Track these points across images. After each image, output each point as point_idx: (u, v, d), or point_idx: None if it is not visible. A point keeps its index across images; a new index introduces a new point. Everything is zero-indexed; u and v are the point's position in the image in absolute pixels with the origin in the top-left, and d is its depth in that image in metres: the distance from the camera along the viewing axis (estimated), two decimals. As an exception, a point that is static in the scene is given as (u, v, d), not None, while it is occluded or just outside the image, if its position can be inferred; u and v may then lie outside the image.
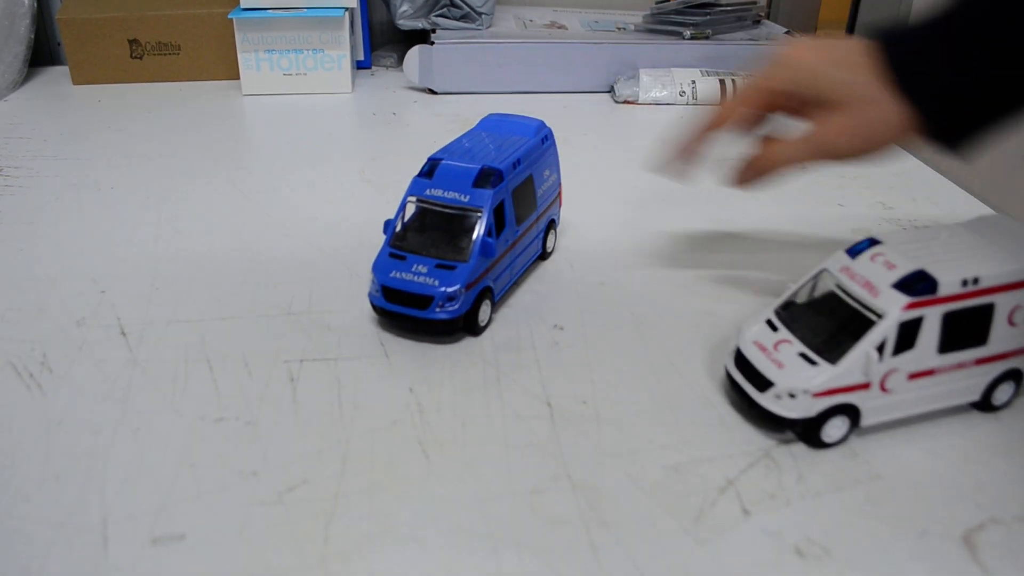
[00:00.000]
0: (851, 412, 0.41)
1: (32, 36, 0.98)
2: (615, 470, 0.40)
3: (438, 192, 0.51)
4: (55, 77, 1.01)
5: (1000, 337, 0.43)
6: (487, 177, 0.50)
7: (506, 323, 0.52)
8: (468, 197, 0.50)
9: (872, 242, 0.44)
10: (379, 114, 0.91)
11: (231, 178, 0.74)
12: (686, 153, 0.53)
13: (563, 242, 0.62)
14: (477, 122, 0.58)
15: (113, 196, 0.70)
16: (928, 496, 0.39)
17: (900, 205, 0.70)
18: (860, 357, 0.40)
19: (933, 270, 0.40)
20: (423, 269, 0.49)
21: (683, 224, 0.66)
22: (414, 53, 0.96)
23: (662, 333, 0.51)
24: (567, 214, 0.64)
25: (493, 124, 0.58)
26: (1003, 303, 0.42)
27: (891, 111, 0.45)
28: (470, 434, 0.42)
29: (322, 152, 0.80)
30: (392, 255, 0.50)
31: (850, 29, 1.60)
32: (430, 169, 0.52)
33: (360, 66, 1.06)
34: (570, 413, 0.44)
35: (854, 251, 0.44)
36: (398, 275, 0.49)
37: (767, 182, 0.51)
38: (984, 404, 0.44)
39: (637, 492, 0.39)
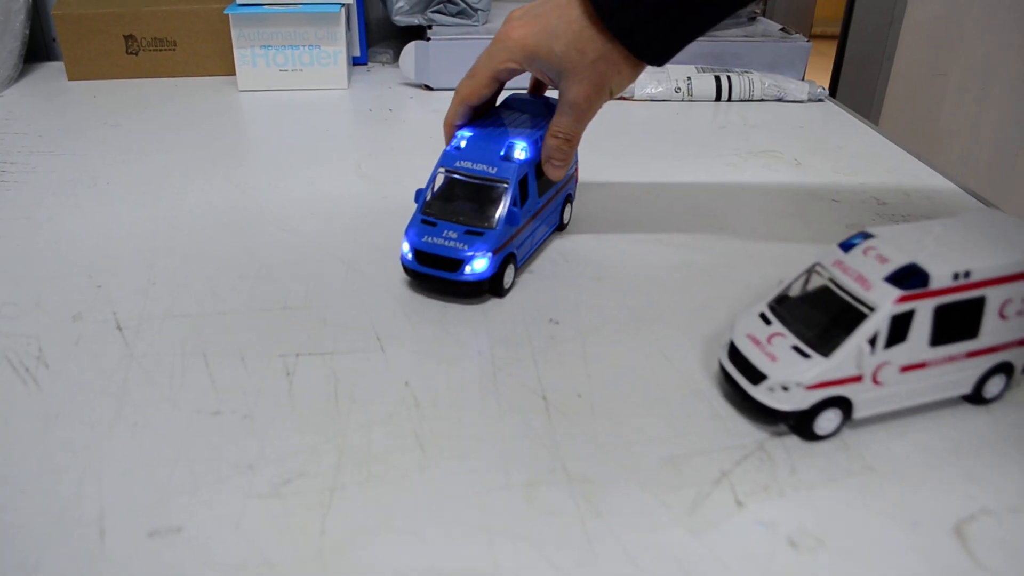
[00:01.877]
0: (844, 405, 0.42)
1: (27, 31, 0.98)
2: (610, 462, 0.41)
3: (467, 164, 0.54)
4: (50, 73, 1.01)
5: (991, 330, 0.43)
6: (513, 150, 0.54)
7: (502, 317, 0.52)
8: (496, 169, 0.54)
9: (865, 236, 0.44)
10: (375, 110, 0.91)
11: (227, 173, 0.74)
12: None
13: (559, 238, 0.63)
14: (500, 101, 0.61)
15: (109, 191, 0.70)
16: (920, 488, 0.40)
17: (893, 201, 0.71)
18: (852, 350, 0.40)
19: (925, 264, 0.41)
20: (453, 235, 0.52)
21: (678, 219, 0.66)
22: (410, 49, 0.96)
23: (656, 327, 0.52)
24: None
25: (517, 103, 0.61)
26: (994, 296, 0.42)
27: (613, 59, 0.50)
28: (466, 427, 0.43)
29: (318, 148, 0.80)
30: (424, 221, 0.54)
31: (846, 24, 1.60)
32: (460, 143, 0.55)
33: (356, 62, 1.06)
34: (565, 406, 0.44)
35: (847, 245, 0.44)
36: (430, 239, 0.52)
37: (565, 162, 0.56)
38: (975, 397, 0.45)
39: (632, 484, 0.39)
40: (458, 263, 0.52)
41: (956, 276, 0.41)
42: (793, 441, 0.42)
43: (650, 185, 0.73)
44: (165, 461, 0.40)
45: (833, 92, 1.61)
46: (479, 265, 0.52)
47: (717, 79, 0.95)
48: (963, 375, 0.44)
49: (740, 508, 0.38)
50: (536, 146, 0.56)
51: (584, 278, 0.57)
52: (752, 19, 1.07)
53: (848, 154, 0.81)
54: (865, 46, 1.57)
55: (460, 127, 0.57)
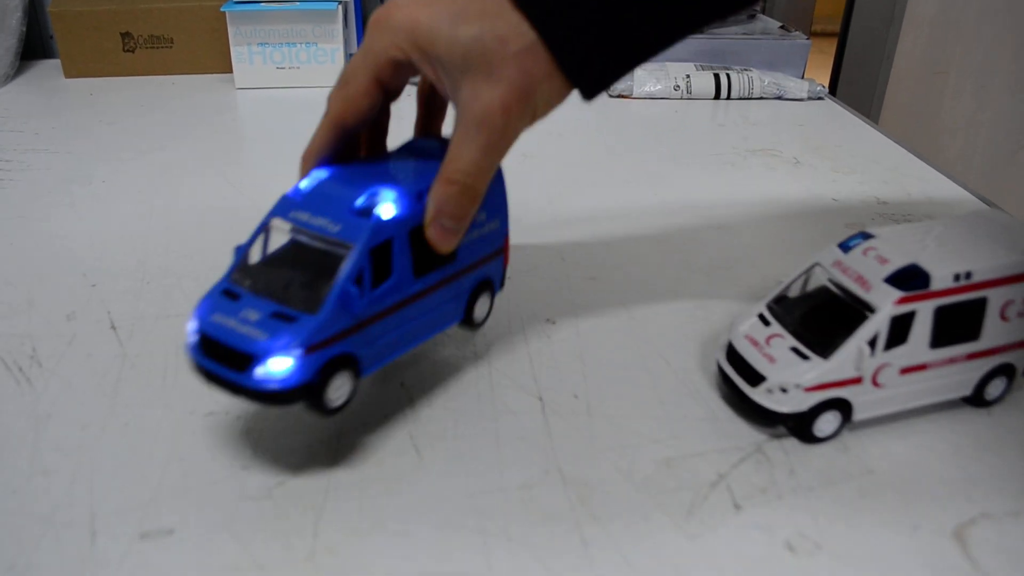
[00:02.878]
0: (843, 407, 0.41)
1: (24, 29, 0.98)
2: (606, 464, 0.40)
3: (304, 216, 0.38)
4: (47, 70, 1.01)
5: (992, 332, 0.42)
6: (377, 205, 0.38)
7: (498, 317, 0.52)
8: (339, 227, 0.37)
9: (865, 236, 0.43)
10: (373, 108, 0.91)
11: (224, 172, 0.73)
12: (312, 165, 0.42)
13: (557, 237, 0.62)
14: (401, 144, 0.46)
15: (105, 190, 0.69)
16: (920, 491, 0.39)
17: (894, 200, 0.70)
18: (852, 351, 0.40)
19: (926, 264, 0.40)
20: (254, 316, 0.36)
21: (676, 218, 0.66)
22: (408, 47, 0.96)
23: (654, 327, 0.51)
24: (561, 209, 0.64)
25: (424, 147, 0.45)
26: (995, 298, 0.42)
27: (541, 59, 0.36)
28: (461, 428, 0.42)
29: (315, 146, 0.80)
30: (226, 292, 0.38)
31: (846, 22, 1.60)
32: (302, 186, 0.40)
33: (354, 60, 1.06)
34: (561, 407, 0.44)
35: (847, 245, 0.43)
36: (221, 319, 0.36)
37: (460, 222, 0.39)
38: (976, 399, 0.44)
39: (628, 486, 0.39)
40: (246, 359, 0.35)
41: (957, 277, 0.41)
42: (792, 443, 0.42)
43: (648, 184, 0.72)
44: (157, 462, 0.40)
45: (833, 90, 1.61)
46: (277, 366, 0.34)
47: (716, 77, 0.95)
48: (964, 377, 0.43)
49: (738, 511, 0.38)
50: (416, 203, 0.39)
51: (580, 278, 0.57)
52: (752, 17, 1.07)
53: (848, 153, 0.81)
54: (865, 44, 1.56)
55: (321, 164, 0.41)
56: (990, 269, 0.41)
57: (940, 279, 0.40)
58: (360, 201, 0.38)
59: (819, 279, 0.44)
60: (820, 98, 0.97)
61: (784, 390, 0.41)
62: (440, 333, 0.43)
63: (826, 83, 0.98)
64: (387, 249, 0.38)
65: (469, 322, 0.45)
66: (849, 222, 0.66)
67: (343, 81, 0.40)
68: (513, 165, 0.76)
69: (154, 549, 0.35)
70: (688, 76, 0.95)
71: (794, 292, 0.45)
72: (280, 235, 0.39)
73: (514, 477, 0.39)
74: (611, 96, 0.95)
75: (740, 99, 0.96)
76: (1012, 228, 0.45)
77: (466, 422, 0.43)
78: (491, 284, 0.45)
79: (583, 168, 0.75)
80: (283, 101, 0.92)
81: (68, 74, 0.98)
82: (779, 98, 0.96)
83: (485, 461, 0.40)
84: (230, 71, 0.96)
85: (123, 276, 0.56)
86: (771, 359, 0.42)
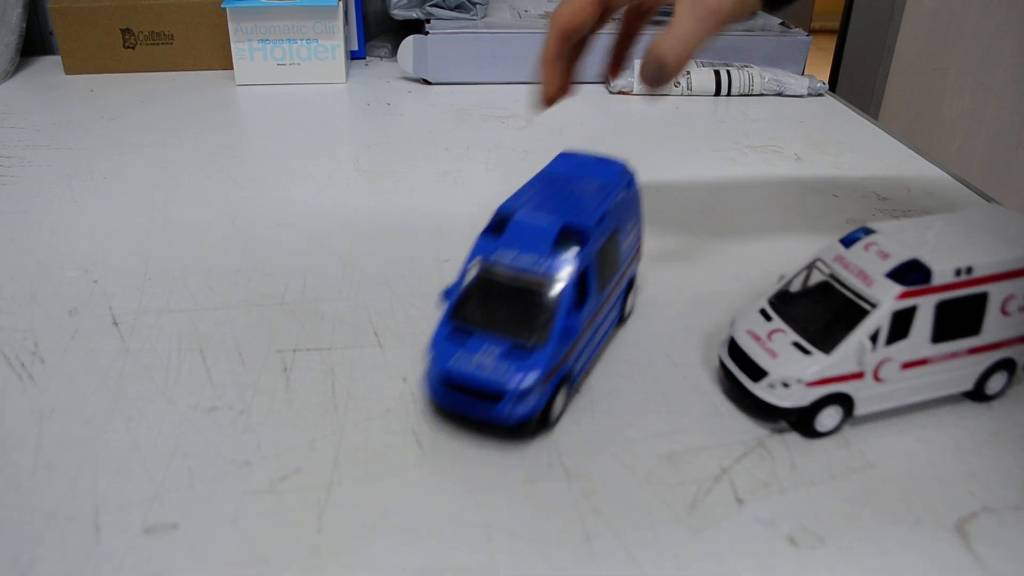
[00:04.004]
0: (844, 401, 0.41)
1: (24, 25, 0.98)
2: (609, 459, 0.40)
3: (508, 256, 0.41)
4: (47, 66, 1.01)
5: (993, 327, 0.43)
6: (569, 237, 0.41)
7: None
8: (547, 264, 0.40)
9: (866, 231, 0.44)
10: (373, 104, 0.91)
11: (224, 168, 0.73)
12: (553, 75, 0.48)
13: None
14: (549, 161, 0.50)
15: (106, 185, 0.69)
16: (921, 485, 0.39)
17: (894, 196, 0.70)
18: (854, 346, 0.40)
19: (927, 259, 0.40)
20: (492, 353, 0.39)
21: (676, 214, 0.66)
22: (408, 43, 0.96)
23: (656, 322, 0.51)
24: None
25: (569, 165, 0.48)
26: (996, 292, 0.42)
27: None
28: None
29: (316, 142, 0.80)
30: (456, 331, 0.41)
31: (845, 19, 1.60)
32: (499, 223, 0.42)
33: (354, 56, 1.06)
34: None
35: (848, 240, 0.43)
36: (461, 360, 0.39)
37: (670, 75, 0.44)
38: (977, 394, 0.44)
39: (631, 481, 0.39)
40: (498, 396, 0.39)
41: (958, 272, 0.41)
42: (794, 438, 0.42)
43: (649, 180, 0.72)
44: (161, 457, 0.40)
45: (833, 87, 1.61)
46: (525, 397, 0.39)
47: (716, 73, 0.95)
48: (965, 372, 0.43)
49: (740, 505, 0.38)
50: (599, 228, 0.43)
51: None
52: (752, 14, 1.07)
53: (848, 149, 0.81)
54: (865, 41, 1.56)
55: (504, 204, 0.44)
56: (991, 264, 0.41)
57: (941, 274, 0.40)
58: (555, 236, 0.41)
59: (820, 274, 0.44)
60: (820, 94, 0.97)
61: (786, 385, 0.41)
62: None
63: (826, 79, 0.98)
64: (586, 275, 0.42)
65: (622, 319, 0.50)
66: (850, 218, 0.66)
67: None
68: (515, 161, 0.76)
69: (158, 543, 0.35)
70: (688, 73, 0.95)
71: (796, 287, 0.45)
72: (478, 272, 0.42)
73: (517, 472, 0.39)
74: (611, 92, 0.95)
75: (740, 95, 0.96)
76: (1013, 223, 0.45)
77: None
78: (633, 282, 0.51)
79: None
80: (284, 97, 0.92)
81: (68, 70, 0.97)
82: (779, 94, 0.96)
83: (488, 456, 0.40)
84: (231, 67, 0.96)
85: (125, 271, 0.56)
86: (773, 354, 0.42)
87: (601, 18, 0.48)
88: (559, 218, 0.42)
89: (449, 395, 0.40)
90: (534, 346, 0.39)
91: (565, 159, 0.49)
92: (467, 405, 0.40)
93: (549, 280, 0.40)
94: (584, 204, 0.44)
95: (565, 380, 0.41)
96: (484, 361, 0.39)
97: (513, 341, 0.39)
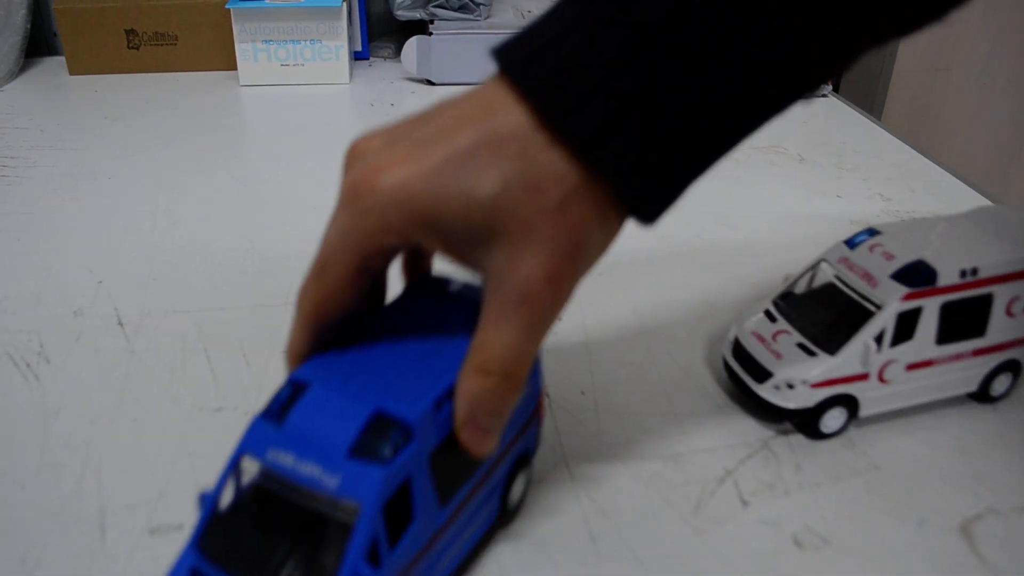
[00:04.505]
0: (849, 403, 0.41)
1: (28, 26, 0.98)
2: (614, 460, 0.40)
3: (287, 459, 0.27)
4: (51, 67, 1.01)
5: (998, 328, 0.43)
6: (379, 435, 0.27)
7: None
8: (339, 478, 0.27)
9: (871, 233, 0.44)
10: (377, 105, 0.91)
11: (229, 168, 0.73)
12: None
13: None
14: (401, 291, 0.35)
15: (110, 186, 0.70)
16: (926, 486, 0.39)
17: (898, 196, 0.70)
18: (858, 348, 0.40)
19: (932, 261, 0.40)
20: None
21: (680, 215, 0.66)
22: (412, 44, 0.96)
23: (660, 324, 0.51)
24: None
25: (428, 303, 0.34)
26: (1001, 294, 0.42)
27: (592, 195, 0.28)
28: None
29: (320, 142, 0.80)
30: (194, 572, 0.28)
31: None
32: (282, 405, 0.29)
33: (358, 57, 1.06)
34: (569, 403, 0.44)
35: (853, 242, 0.43)
36: None
37: (498, 423, 0.30)
38: (982, 395, 0.44)
39: (636, 482, 0.39)
40: None
41: (963, 273, 0.41)
42: (798, 439, 0.42)
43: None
44: (166, 457, 0.40)
45: (836, 88, 1.61)
46: None
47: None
48: (970, 373, 0.43)
49: (745, 506, 0.38)
50: (434, 416, 0.29)
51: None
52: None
53: (852, 150, 0.81)
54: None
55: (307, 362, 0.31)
56: (996, 265, 0.41)
57: (946, 275, 0.40)
58: (360, 432, 0.27)
59: (825, 275, 0.44)
60: (823, 95, 0.97)
61: (791, 386, 0.41)
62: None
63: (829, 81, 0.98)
64: (405, 494, 0.28)
65: (504, 513, 0.35)
66: (854, 219, 0.66)
67: (317, 270, 0.30)
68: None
69: (163, 544, 0.36)
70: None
71: (800, 288, 0.45)
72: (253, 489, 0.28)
73: (522, 472, 0.39)
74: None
75: (744, 96, 0.95)
76: (1017, 224, 0.45)
77: None
78: (527, 458, 0.36)
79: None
80: (287, 98, 0.92)
81: (73, 71, 0.98)
82: (783, 95, 0.96)
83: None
84: (234, 68, 0.96)
85: (129, 272, 0.56)
86: (778, 355, 0.42)
87: (366, 289, 0.31)
88: (372, 398, 0.28)
89: None
90: None
91: (427, 288, 0.35)
92: None
93: (337, 507, 0.26)
94: (421, 370, 0.30)
95: None
96: None
97: None
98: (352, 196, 0.29)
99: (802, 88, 0.29)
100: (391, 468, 0.27)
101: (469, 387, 0.29)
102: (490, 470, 0.33)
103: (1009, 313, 0.43)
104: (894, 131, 0.86)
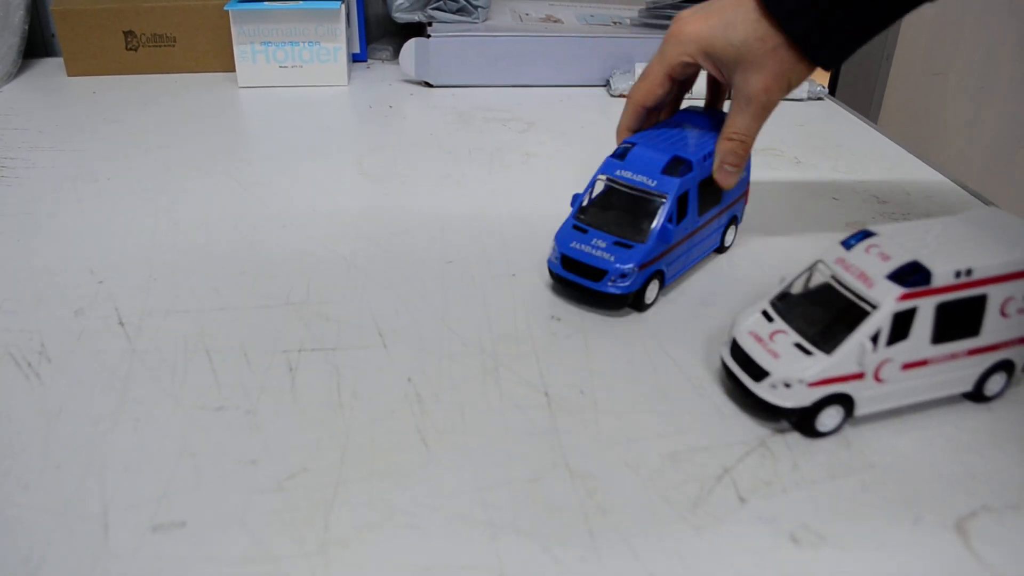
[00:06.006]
0: (845, 402, 0.42)
1: (26, 27, 0.98)
2: (613, 458, 0.41)
3: (627, 174, 0.53)
4: (49, 69, 1.01)
5: (993, 328, 0.43)
6: (676, 166, 0.52)
7: (504, 313, 0.52)
8: (655, 183, 0.52)
9: (867, 234, 0.44)
10: (375, 107, 0.91)
11: (228, 170, 0.74)
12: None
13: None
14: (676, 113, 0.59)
15: (110, 187, 0.70)
16: (921, 484, 0.40)
17: (894, 199, 0.71)
18: (855, 347, 0.41)
19: (927, 261, 0.41)
20: (602, 244, 0.51)
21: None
22: (410, 46, 0.96)
23: (658, 323, 0.52)
24: (565, 207, 0.64)
25: (690, 116, 0.58)
26: (996, 294, 0.42)
27: (791, 53, 0.49)
28: (469, 423, 0.43)
29: (319, 144, 0.80)
30: (576, 227, 0.53)
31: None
32: (623, 152, 0.54)
33: (356, 59, 1.06)
34: (568, 402, 0.44)
35: (849, 243, 0.44)
36: (577, 246, 0.52)
37: (738, 166, 0.54)
38: (976, 394, 0.45)
39: (634, 480, 0.39)
40: (602, 273, 0.50)
41: (958, 274, 0.41)
42: (795, 438, 0.42)
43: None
44: (168, 456, 0.40)
45: (833, 90, 1.61)
46: (623, 278, 0.50)
47: (717, 77, 0.95)
48: (964, 373, 0.44)
49: (742, 504, 0.38)
50: (703, 163, 0.53)
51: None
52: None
53: (848, 152, 0.81)
54: (864, 45, 1.57)
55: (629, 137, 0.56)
56: (991, 266, 0.42)
57: (941, 276, 0.41)
58: (665, 164, 0.52)
59: (822, 276, 0.44)
60: (820, 98, 0.97)
61: (787, 385, 0.41)
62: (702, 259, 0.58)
63: (826, 83, 0.99)
64: (685, 197, 0.52)
65: (721, 248, 0.60)
66: (849, 221, 0.66)
67: (643, 75, 0.55)
68: (517, 164, 0.76)
69: (166, 542, 0.36)
70: (689, 76, 0.95)
71: (797, 289, 0.45)
72: (599, 185, 0.54)
73: (522, 471, 0.40)
74: (612, 96, 0.95)
75: (740, 99, 0.96)
76: (1012, 226, 0.45)
77: (473, 417, 0.43)
78: (736, 219, 0.61)
79: (587, 167, 0.76)
80: (286, 100, 0.92)
81: (71, 72, 0.98)
82: (779, 98, 0.96)
83: (493, 455, 0.41)
84: (233, 70, 0.96)
85: (130, 272, 0.56)
86: (775, 355, 0.42)
87: (672, 92, 0.56)
88: (671, 151, 0.53)
89: (565, 273, 0.52)
90: (635, 243, 0.51)
91: (688, 113, 0.59)
92: (579, 279, 0.52)
93: (655, 195, 0.52)
94: (695, 144, 0.54)
95: (658, 276, 0.52)
96: (594, 248, 0.51)
97: (618, 238, 0.51)
98: (670, 35, 0.53)
99: None
100: (682, 180, 0.52)
101: (721, 147, 0.53)
102: (718, 213, 0.57)
103: (1003, 313, 0.43)
104: (890, 134, 0.87)
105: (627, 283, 0.50)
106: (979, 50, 1.51)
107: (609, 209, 0.53)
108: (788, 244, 0.62)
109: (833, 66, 0.50)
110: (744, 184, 0.60)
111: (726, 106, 0.55)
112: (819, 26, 0.48)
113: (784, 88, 0.51)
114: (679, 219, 0.52)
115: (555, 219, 0.61)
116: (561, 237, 0.53)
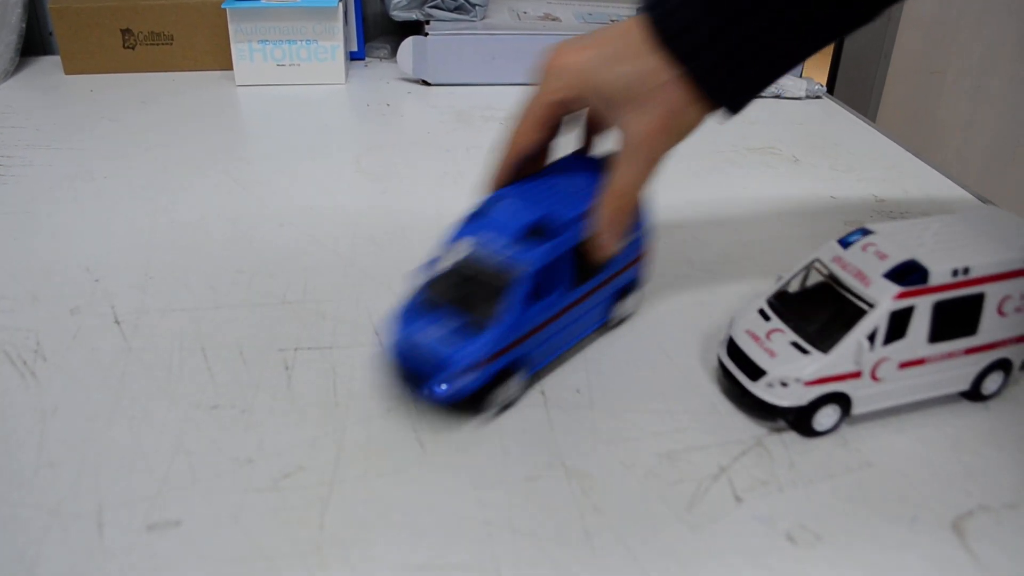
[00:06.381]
0: (842, 401, 0.42)
1: (24, 25, 0.98)
2: (608, 457, 0.41)
3: (481, 239, 0.43)
4: (47, 67, 1.01)
5: (990, 327, 0.43)
6: (541, 230, 0.43)
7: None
8: (511, 253, 0.42)
9: (864, 232, 0.44)
10: (373, 105, 0.91)
11: (225, 168, 0.74)
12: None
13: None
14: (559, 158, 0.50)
15: (107, 185, 0.70)
16: (918, 484, 0.40)
17: (892, 197, 0.71)
18: (851, 346, 0.40)
19: (924, 260, 0.41)
20: (443, 329, 0.41)
21: (675, 215, 0.66)
22: (408, 44, 0.96)
23: (655, 322, 0.52)
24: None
25: (577, 164, 0.49)
26: (993, 293, 0.42)
27: (681, 92, 0.42)
28: (464, 422, 0.43)
29: (316, 143, 0.80)
30: (420, 304, 0.43)
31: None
32: (483, 208, 0.45)
33: (354, 57, 1.06)
34: (564, 401, 0.44)
35: (846, 241, 0.44)
36: (410, 332, 0.42)
37: (618, 230, 0.45)
38: (973, 393, 0.45)
39: (630, 479, 0.39)
40: (437, 368, 0.40)
41: (955, 273, 0.41)
42: (792, 437, 0.42)
43: (648, 181, 0.72)
44: (163, 455, 0.40)
45: (831, 89, 1.61)
46: (460, 376, 0.40)
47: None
48: (961, 372, 0.44)
49: (738, 503, 0.38)
50: (580, 223, 0.44)
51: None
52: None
53: (846, 151, 0.81)
54: (862, 43, 1.57)
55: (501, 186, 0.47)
56: (988, 265, 0.42)
57: (938, 275, 0.41)
58: (529, 227, 0.43)
59: (819, 274, 0.44)
60: (818, 97, 0.97)
61: (784, 384, 0.41)
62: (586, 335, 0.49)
63: (824, 82, 0.99)
64: (553, 271, 0.43)
65: (607, 324, 0.50)
66: (847, 219, 0.66)
67: (520, 117, 0.46)
68: (513, 162, 0.76)
69: (161, 540, 0.36)
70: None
71: (794, 287, 0.45)
72: (459, 255, 0.44)
73: (518, 470, 0.40)
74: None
75: (739, 97, 0.96)
76: (1009, 225, 0.45)
77: (469, 416, 0.43)
78: (634, 285, 0.51)
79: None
80: (283, 98, 0.92)
81: (68, 70, 0.98)
82: (777, 97, 0.96)
83: (489, 454, 0.41)
84: (230, 68, 0.96)
85: (126, 271, 0.56)
86: (771, 353, 0.42)
87: (548, 136, 0.47)
88: (537, 211, 0.43)
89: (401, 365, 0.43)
90: (482, 326, 0.41)
91: (575, 159, 0.49)
92: (407, 376, 0.42)
93: (506, 272, 0.41)
94: (571, 201, 0.45)
95: (515, 366, 0.43)
96: (436, 333, 0.41)
97: (468, 319, 0.42)
98: (546, 68, 0.45)
99: (844, 23, 0.42)
100: (545, 250, 0.42)
101: (602, 208, 0.44)
102: (606, 281, 0.48)
103: (1000, 312, 0.43)
104: (888, 133, 0.87)
105: (467, 381, 0.41)
106: (978, 49, 1.51)
107: (458, 282, 0.43)
108: (785, 242, 0.62)
109: (736, 110, 0.44)
110: (638, 245, 0.50)
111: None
112: (725, 60, 0.41)
113: (672, 135, 0.43)
114: (540, 294, 0.43)
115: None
116: (403, 316, 0.43)
